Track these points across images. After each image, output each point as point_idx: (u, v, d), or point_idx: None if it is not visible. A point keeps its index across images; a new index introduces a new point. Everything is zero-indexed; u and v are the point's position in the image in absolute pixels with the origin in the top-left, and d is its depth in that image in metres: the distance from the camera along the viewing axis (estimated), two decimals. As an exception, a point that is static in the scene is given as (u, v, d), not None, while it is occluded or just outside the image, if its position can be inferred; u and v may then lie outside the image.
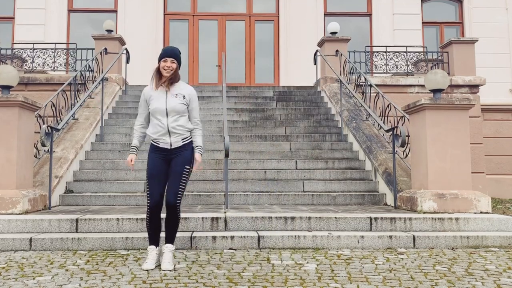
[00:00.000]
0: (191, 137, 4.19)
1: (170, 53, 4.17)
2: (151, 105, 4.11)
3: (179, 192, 4.07)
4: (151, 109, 4.11)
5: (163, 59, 4.14)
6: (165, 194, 4.11)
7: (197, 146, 4.19)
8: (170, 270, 3.96)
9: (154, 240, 4.16)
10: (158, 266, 4.11)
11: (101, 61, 10.35)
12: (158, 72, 4.15)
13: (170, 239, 4.17)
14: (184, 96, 4.14)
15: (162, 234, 4.23)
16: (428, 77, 6.43)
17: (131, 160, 4.19)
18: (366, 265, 4.23)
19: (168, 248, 4.12)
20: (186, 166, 4.11)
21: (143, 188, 7.31)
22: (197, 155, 4.17)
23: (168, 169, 4.11)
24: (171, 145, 4.09)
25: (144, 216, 5.36)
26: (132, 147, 4.24)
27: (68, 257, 4.55)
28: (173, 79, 4.14)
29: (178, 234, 5.03)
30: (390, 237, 5.09)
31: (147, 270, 3.98)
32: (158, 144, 4.12)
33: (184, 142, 4.13)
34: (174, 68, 4.15)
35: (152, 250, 4.12)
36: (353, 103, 9.66)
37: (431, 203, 5.97)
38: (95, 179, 7.53)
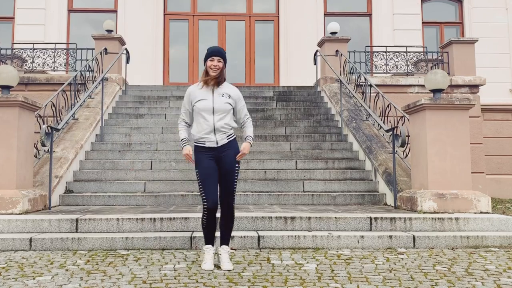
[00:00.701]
0: (234, 135, 4.21)
1: (216, 52, 4.16)
2: (198, 104, 4.11)
3: (234, 192, 4.12)
4: (198, 107, 4.11)
5: (210, 58, 4.14)
6: (219, 194, 4.11)
7: (247, 136, 4.20)
8: (230, 270, 3.98)
9: (211, 239, 4.17)
10: (159, 265, 4.10)
11: (101, 61, 10.35)
12: (206, 72, 4.15)
13: (226, 241, 4.18)
14: (230, 96, 4.16)
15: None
16: (428, 77, 6.43)
17: (189, 151, 4.14)
18: (366, 265, 4.23)
19: (224, 250, 4.14)
20: (236, 165, 4.15)
21: (143, 188, 7.31)
22: (246, 144, 4.15)
23: (217, 169, 4.11)
24: (217, 143, 4.09)
25: (144, 216, 5.37)
26: (183, 139, 4.19)
27: (68, 257, 4.55)
28: (220, 78, 4.15)
29: (177, 234, 5.05)
30: (390, 237, 5.09)
31: (209, 270, 3.98)
32: (204, 143, 4.10)
33: (230, 139, 4.15)
34: (221, 67, 4.15)
35: (209, 249, 4.13)
36: (353, 103, 9.66)
37: (431, 203, 5.97)
38: (95, 179, 7.53)
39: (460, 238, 5.15)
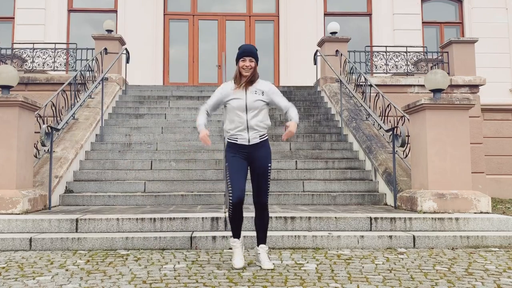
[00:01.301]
0: (267, 135, 4.20)
1: (248, 52, 4.14)
2: (231, 102, 4.11)
3: (268, 191, 4.13)
4: (231, 105, 4.10)
5: (242, 59, 4.13)
6: (253, 194, 4.13)
7: (292, 117, 4.15)
8: (271, 269, 4.00)
9: (238, 233, 4.18)
10: (159, 265, 4.10)
11: (101, 61, 10.36)
12: (239, 73, 4.14)
13: (263, 240, 4.21)
14: (263, 92, 4.15)
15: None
16: (428, 77, 6.43)
17: (206, 134, 4.10)
18: (366, 265, 4.23)
19: (263, 249, 4.16)
20: (269, 165, 4.15)
21: (143, 188, 7.31)
22: (292, 122, 4.10)
23: (246, 167, 4.13)
24: (249, 141, 4.09)
25: (144, 216, 5.37)
26: (200, 125, 4.17)
27: (68, 257, 4.55)
28: (253, 78, 4.14)
29: (177, 234, 5.05)
30: (390, 237, 5.09)
31: (240, 268, 4.00)
32: (236, 140, 4.11)
33: (262, 139, 4.14)
34: (253, 66, 4.13)
35: (237, 243, 4.15)
36: (353, 103, 9.66)
37: (431, 203, 5.97)
38: (95, 179, 7.53)
39: (460, 238, 5.15)
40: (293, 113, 4.18)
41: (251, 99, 4.09)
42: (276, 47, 14.24)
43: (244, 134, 4.09)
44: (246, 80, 4.11)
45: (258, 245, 4.20)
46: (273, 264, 4.14)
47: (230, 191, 4.05)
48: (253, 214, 5.44)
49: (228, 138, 4.18)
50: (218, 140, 8.80)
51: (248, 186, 4.19)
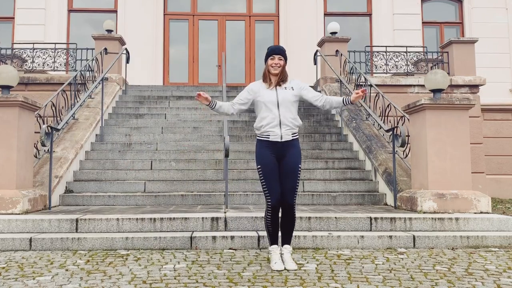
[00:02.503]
0: (298, 134, 4.18)
1: (277, 50, 4.16)
2: (261, 98, 4.10)
3: (296, 191, 4.08)
4: (262, 101, 4.09)
5: (271, 57, 4.14)
6: (281, 193, 4.05)
7: (344, 97, 4.14)
8: (295, 269, 3.97)
9: (275, 239, 4.14)
10: (159, 265, 4.10)
11: (101, 61, 10.36)
12: (268, 71, 4.15)
13: (287, 241, 4.16)
14: (292, 88, 4.15)
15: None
16: (428, 77, 6.43)
17: (203, 95, 4.05)
18: (366, 265, 4.23)
19: (287, 249, 4.12)
20: (299, 165, 4.11)
21: (143, 188, 7.31)
22: (353, 96, 4.08)
23: (278, 167, 4.08)
24: (281, 138, 4.06)
25: (144, 216, 5.37)
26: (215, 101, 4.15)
27: (68, 257, 4.55)
28: (282, 76, 4.14)
29: (177, 234, 5.05)
30: (390, 237, 5.09)
31: (280, 270, 3.95)
32: (268, 137, 4.08)
33: (294, 137, 4.12)
34: (282, 64, 4.14)
35: (276, 249, 4.11)
36: (353, 103, 9.64)
37: (431, 203, 5.97)
38: (95, 179, 7.53)
39: (460, 238, 5.15)
40: (335, 97, 4.19)
41: (282, 94, 4.09)
42: (276, 47, 14.21)
43: (277, 130, 4.06)
44: (277, 79, 4.11)
45: (282, 245, 4.15)
46: (296, 264, 4.06)
47: (268, 194, 4.00)
48: (252, 214, 5.46)
49: (259, 136, 4.14)
50: (218, 140, 8.80)
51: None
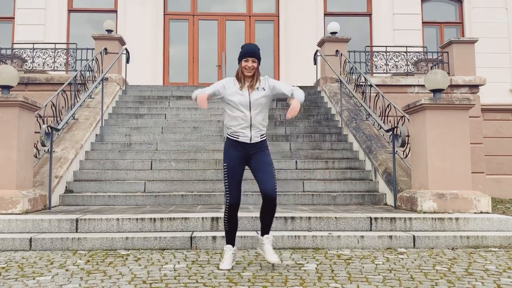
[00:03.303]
0: (266, 135, 4.19)
1: (251, 53, 4.11)
2: (233, 98, 4.08)
3: (275, 184, 4.05)
4: (233, 102, 4.07)
5: (244, 59, 4.11)
6: (259, 186, 4.04)
7: (296, 95, 4.08)
8: (278, 263, 3.96)
9: (232, 239, 4.15)
10: (159, 265, 4.10)
11: (101, 61, 10.35)
12: (241, 72, 4.13)
13: (267, 230, 4.13)
14: (264, 88, 4.14)
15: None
16: (428, 77, 6.43)
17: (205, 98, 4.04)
18: (366, 265, 4.23)
19: (268, 239, 4.08)
20: (270, 160, 4.13)
21: (143, 188, 7.31)
22: (295, 100, 4.04)
23: (244, 167, 4.11)
24: (250, 139, 4.07)
25: (144, 216, 5.37)
26: (196, 92, 4.14)
27: (68, 257, 4.55)
28: (255, 77, 4.13)
29: (177, 234, 5.05)
30: (390, 237, 5.09)
31: (226, 270, 3.98)
32: (238, 137, 4.08)
33: (262, 139, 4.14)
34: (255, 67, 4.12)
35: (229, 249, 4.12)
36: (353, 103, 9.66)
37: (431, 203, 5.97)
38: (95, 179, 7.53)
39: (460, 238, 5.15)
40: (299, 93, 4.12)
41: (255, 96, 4.08)
42: (276, 47, 14.24)
43: (247, 132, 4.07)
44: (251, 81, 4.09)
45: (262, 235, 4.13)
46: (278, 256, 4.06)
47: (228, 193, 4.04)
48: (252, 214, 5.46)
49: (228, 135, 4.15)
50: (218, 140, 8.80)
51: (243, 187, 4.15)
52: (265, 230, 4.14)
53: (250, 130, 4.07)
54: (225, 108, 4.20)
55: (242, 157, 4.09)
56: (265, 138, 4.18)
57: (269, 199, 4.01)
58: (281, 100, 10.81)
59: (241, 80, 4.12)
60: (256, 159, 4.09)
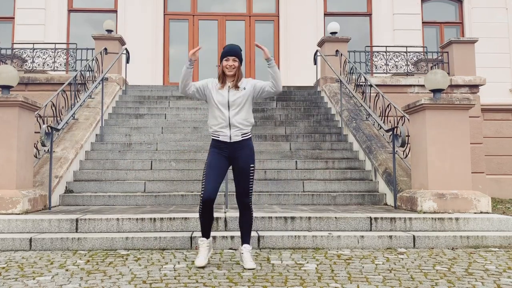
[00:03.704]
0: (250, 134, 4.21)
1: (232, 52, 4.16)
2: (213, 98, 4.13)
3: (250, 190, 4.13)
4: (213, 101, 4.12)
5: (225, 58, 4.15)
6: (235, 194, 4.16)
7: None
8: (253, 269, 4.01)
9: (206, 232, 4.20)
10: (159, 265, 4.10)
11: (101, 61, 10.35)
12: (223, 72, 4.17)
13: (246, 240, 4.20)
14: (245, 88, 4.17)
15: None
16: (428, 77, 6.43)
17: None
18: (366, 265, 4.23)
19: (246, 249, 4.15)
20: (251, 165, 4.16)
21: (143, 188, 7.31)
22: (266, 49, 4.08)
23: (226, 167, 4.16)
24: (230, 139, 4.11)
25: (144, 216, 5.37)
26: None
27: (68, 257, 4.55)
28: (237, 77, 4.16)
29: (177, 234, 5.05)
30: (390, 237, 5.09)
31: (201, 266, 4.03)
32: (218, 137, 4.14)
33: (244, 137, 4.15)
34: (236, 66, 4.16)
35: (203, 242, 4.17)
36: (353, 103, 9.66)
37: (431, 203, 5.97)
38: (95, 179, 7.53)
39: (460, 238, 5.15)
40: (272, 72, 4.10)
41: (233, 96, 4.12)
42: (276, 47, 14.24)
43: (226, 131, 4.11)
44: (232, 81, 4.14)
45: (242, 245, 4.21)
46: (255, 264, 4.11)
47: (203, 190, 4.09)
48: (256, 215, 5.45)
49: (211, 134, 4.22)
50: (218, 140, 8.79)
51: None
52: (244, 238, 4.21)
53: (229, 129, 4.11)
54: (208, 108, 4.26)
55: (224, 156, 4.14)
56: (248, 137, 4.19)
57: (242, 207, 4.14)
58: (281, 100, 10.82)
59: (222, 79, 4.17)
60: (237, 163, 4.15)
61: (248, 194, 4.14)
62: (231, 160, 4.16)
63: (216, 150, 4.16)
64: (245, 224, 4.20)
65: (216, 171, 4.10)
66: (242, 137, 4.14)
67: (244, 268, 4.04)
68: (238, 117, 4.11)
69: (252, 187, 4.16)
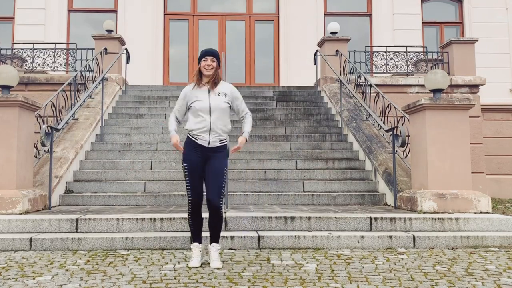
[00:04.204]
0: (227, 140, 4.24)
1: (209, 52, 4.23)
2: (194, 104, 4.16)
3: (222, 192, 4.14)
4: (195, 107, 4.15)
5: (203, 59, 4.21)
6: (206, 195, 4.15)
7: (244, 131, 4.24)
8: (219, 268, 4.03)
9: (198, 237, 4.22)
10: (159, 265, 4.10)
11: (101, 61, 10.35)
12: (199, 72, 4.21)
13: (215, 239, 4.22)
14: (225, 94, 4.21)
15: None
16: (428, 77, 6.43)
17: (177, 141, 4.18)
18: (366, 265, 4.23)
19: (215, 248, 4.19)
20: (224, 168, 4.18)
21: (143, 188, 7.31)
22: (242, 138, 4.20)
23: (204, 167, 4.16)
24: (208, 143, 4.13)
25: (144, 216, 5.37)
26: (171, 131, 4.24)
27: (68, 257, 4.55)
28: (215, 77, 4.20)
29: (177, 234, 5.05)
30: (390, 237, 5.09)
31: (195, 267, 4.05)
32: (197, 140, 4.15)
33: (221, 144, 4.18)
34: (215, 66, 4.20)
35: (196, 247, 4.19)
36: (353, 103, 9.66)
37: (431, 203, 5.97)
38: (95, 179, 7.53)
39: (460, 238, 5.15)
40: (247, 126, 4.26)
41: (215, 101, 4.15)
42: (276, 47, 14.24)
43: (206, 135, 4.13)
44: (208, 80, 4.16)
45: (210, 243, 4.22)
46: (221, 263, 4.13)
47: (189, 193, 4.11)
48: (252, 214, 5.46)
49: (189, 134, 4.22)
50: (218, 140, 8.79)
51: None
52: (212, 238, 4.22)
53: (209, 134, 4.13)
54: (188, 113, 4.27)
55: (200, 158, 4.15)
56: (225, 143, 4.22)
57: (211, 209, 4.13)
58: (281, 100, 10.82)
59: (199, 80, 4.20)
60: (210, 165, 4.15)
61: (219, 196, 4.13)
62: (205, 162, 4.16)
63: (192, 152, 4.15)
64: (214, 228, 4.21)
65: (197, 174, 4.13)
66: (220, 143, 4.17)
67: (210, 267, 4.06)
68: (218, 122, 4.14)
69: (223, 189, 4.16)
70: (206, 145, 4.13)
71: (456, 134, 6.19)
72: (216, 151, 4.16)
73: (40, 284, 3.59)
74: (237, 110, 4.31)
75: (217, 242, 4.22)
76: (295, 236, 5.03)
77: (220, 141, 4.17)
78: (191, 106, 4.17)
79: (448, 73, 10.97)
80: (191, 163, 4.13)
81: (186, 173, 4.15)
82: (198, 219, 4.20)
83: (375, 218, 5.43)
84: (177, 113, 4.30)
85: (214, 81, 4.18)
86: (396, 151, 7.04)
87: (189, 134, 4.22)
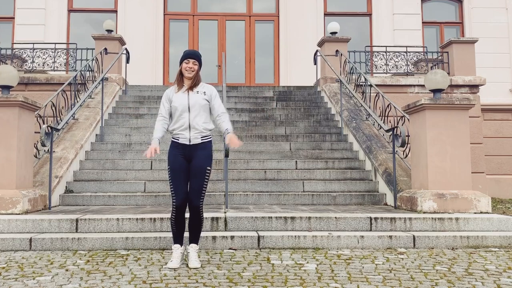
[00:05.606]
0: (210, 137, 4.24)
1: (192, 55, 4.26)
2: (174, 103, 4.19)
3: (202, 193, 4.14)
4: (174, 106, 4.18)
5: (185, 61, 4.23)
6: (188, 196, 4.15)
7: (226, 129, 4.21)
8: (197, 268, 4.03)
9: (179, 239, 4.21)
10: (159, 265, 4.10)
11: (101, 61, 10.35)
12: (181, 74, 4.25)
13: (195, 239, 4.22)
14: (204, 93, 4.26)
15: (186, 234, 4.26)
16: (428, 77, 6.43)
17: (155, 150, 4.13)
18: (366, 265, 4.23)
19: (193, 248, 4.19)
20: (207, 167, 4.16)
21: (143, 188, 7.31)
22: (230, 135, 4.13)
23: (188, 168, 4.16)
24: (190, 141, 4.14)
25: (144, 216, 5.37)
26: (154, 138, 4.21)
27: (68, 257, 4.55)
28: (195, 80, 4.24)
29: (178, 234, 5.04)
30: (390, 237, 5.09)
31: (173, 268, 4.03)
32: (178, 139, 4.17)
33: (203, 140, 4.18)
34: (196, 69, 4.25)
35: (177, 249, 4.17)
36: (353, 103, 9.66)
37: (431, 203, 5.97)
38: (95, 179, 7.53)
39: (460, 238, 5.15)
40: (227, 124, 4.22)
41: (194, 98, 4.18)
42: (276, 47, 14.24)
43: (186, 133, 4.15)
44: (190, 83, 4.20)
45: (189, 244, 4.22)
46: (199, 263, 4.13)
47: (174, 195, 4.11)
48: (252, 214, 5.46)
49: (172, 138, 4.24)
50: (218, 140, 8.79)
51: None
52: (192, 238, 4.22)
53: (189, 131, 4.14)
54: (171, 114, 4.27)
55: (184, 159, 4.15)
56: (208, 140, 4.21)
57: (191, 210, 4.14)
58: (281, 100, 10.82)
59: (180, 81, 4.23)
60: (193, 164, 4.15)
61: (200, 196, 4.12)
62: (189, 161, 4.16)
63: (176, 153, 4.16)
64: (193, 228, 4.20)
65: (181, 176, 4.12)
66: (201, 139, 4.17)
67: (188, 267, 4.06)
68: (198, 119, 4.15)
69: (205, 190, 4.16)
70: (188, 143, 4.14)
71: (456, 134, 6.19)
72: (198, 148, 4.14)
73: (40, 284, 3.60)
74: (213, 108, 4.29)
75: (196, 243, 4.21)
76: (295, 236, 5.03)
77: (202, 137, 4.17)
78: (172, 106, 4.21)
79: (448, 73, 10.97)
80: (174, 164, 4.14)
81: (169, 175, 4.16)
82: (181, 221, 4.17)
83: (375, 218, 5.43)
84: (163, 120, 4.25)
85: (194, 83, 4.22)
86: (396, 151, 7.04)
87: (172, 136, 4.24)
